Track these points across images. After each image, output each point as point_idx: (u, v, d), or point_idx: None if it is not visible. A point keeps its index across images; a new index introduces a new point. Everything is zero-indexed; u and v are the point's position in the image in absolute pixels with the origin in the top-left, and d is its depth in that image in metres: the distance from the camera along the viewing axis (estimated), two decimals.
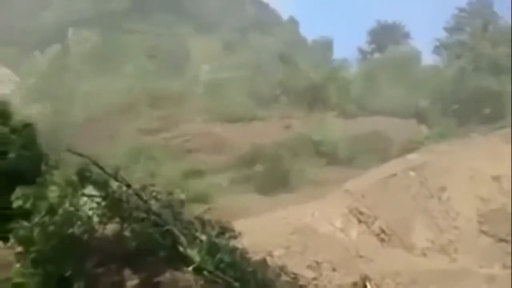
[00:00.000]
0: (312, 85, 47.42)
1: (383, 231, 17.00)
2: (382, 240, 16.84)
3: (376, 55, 57.45)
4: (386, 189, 18.59)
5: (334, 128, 40.97)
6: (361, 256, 14.94)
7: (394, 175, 19.22)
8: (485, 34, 46.78)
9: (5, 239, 11.71)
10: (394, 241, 16.79)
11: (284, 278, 12.74)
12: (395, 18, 61.66)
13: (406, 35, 60.41)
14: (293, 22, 70.62)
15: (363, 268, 13.90)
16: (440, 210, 17.89)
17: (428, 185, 18.60)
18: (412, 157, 21.78)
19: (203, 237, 12.22)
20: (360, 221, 17.36)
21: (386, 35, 58.77)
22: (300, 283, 12.94)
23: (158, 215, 11.95)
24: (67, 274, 10.89)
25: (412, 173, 19.23)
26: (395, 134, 37.85)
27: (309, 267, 13.66)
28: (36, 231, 10.77)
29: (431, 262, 15.62)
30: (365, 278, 13.28)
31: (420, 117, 41.30)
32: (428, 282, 13.45)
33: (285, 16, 72.07)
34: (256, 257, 12.69)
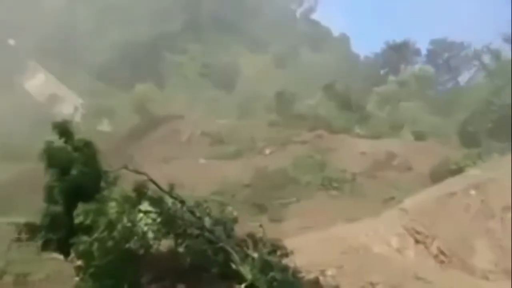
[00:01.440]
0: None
1: (442, 252, 16.28)
2: (441, 261, 16.12)
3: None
4: (445, 208, 17.84)
5: None
6: (418, 278, 14.34)
7: (454, 193, 18.43)
8: None
9: (66, 253, 12.22)
10: (454, 262, 16.03)
11: None
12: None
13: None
14: (344, 38, 70.42)
15: None
16: (504, 230, 16.93)
17: (490, 205, 17.69)
18: (472, 174, 20.85)
19: (255, 255, 12.22)
20: (417, 241, 16.72)
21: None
22: None
23: (211, 231, 12.09)
24: None
25: (472, 192, 18.37)
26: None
27: None
28: (96, 246, 11.14)
29: (494, 285, 14.77)
30: None
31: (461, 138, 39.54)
32: None
33: (336, 33, 72.00)
34: (308, 276, 12.51)
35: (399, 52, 57.06)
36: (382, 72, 55.03)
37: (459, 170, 25.67)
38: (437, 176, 27.92)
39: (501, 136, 36.12)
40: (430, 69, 54.12)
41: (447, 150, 35.59)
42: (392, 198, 27.85)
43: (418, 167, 33.39)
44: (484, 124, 38.36)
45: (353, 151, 36.10)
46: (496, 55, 45.05)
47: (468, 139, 38.07)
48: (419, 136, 40.79)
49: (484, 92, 42.43)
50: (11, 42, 62.89)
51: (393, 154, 35.25)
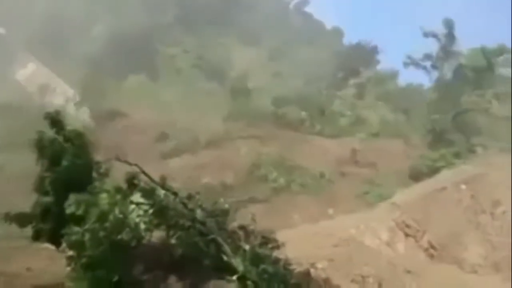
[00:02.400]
0: None
1: (432, 246, 16.45)
2: (431, 255, 16.29)
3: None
4: (436, 202, 18.01)
5: None
6: (408, 271, 14.46)
7: (444, 188, 18.61)
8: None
9: (58, 244, 12.18)
10: (443, 256, 16.21)
11: None
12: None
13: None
14: (337, 31, 70.33)
15: (411, 284, 13.46)
16: (493, 225, 17.14)
17: (481, 199, 17.89)
18: (463, 170, 21.03)
19: (247, 247, 12.25)
20: (407, 235, 16.87)
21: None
22: None
23: (203, 223, 12.10)
24: (115, 279, 11.16)
25: (463, 187, 18.56)
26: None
27: (353, 281, 13.36)
28: (87, 236, 11.11)
29: (483, 279, 14.95)
30: None
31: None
32: None
33: (329, 26, 71.89)
34: (299, 268, 12.57)
35: (357, 52, 56.15)
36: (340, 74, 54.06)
37: (435, 169, 25.84)
38: (415, 174, 28.13)
39: (467, 132, 36.25)
40: (392, 68, 53.20)
41: (410, 148, 35.84)
42: (366, 193, 27.90)
43: (382, 164, 33.36)
44: (446, 123, 38.29)
45: (317, 150, 35.88)
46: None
47: (434, 137, 37.97)
48: (378, 134, 40.58)
49: (440, 92, 42.12)
50: (1, 31, 62.18)
51: (356, 151, 35.20)
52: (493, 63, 39.38)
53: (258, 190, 29.23)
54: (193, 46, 61.41)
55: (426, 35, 42.41)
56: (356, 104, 47.02)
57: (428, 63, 43.46)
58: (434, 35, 42.34)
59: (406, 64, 44.91)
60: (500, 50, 39.91)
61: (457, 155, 30.03)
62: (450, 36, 42.25)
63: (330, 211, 25.35)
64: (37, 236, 12.67)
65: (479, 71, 39.31)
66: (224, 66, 59.09)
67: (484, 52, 39.72)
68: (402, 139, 38.72)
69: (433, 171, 25.55)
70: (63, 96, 54.13)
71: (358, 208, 22.13)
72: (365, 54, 57.14)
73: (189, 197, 12.68)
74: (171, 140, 38.43)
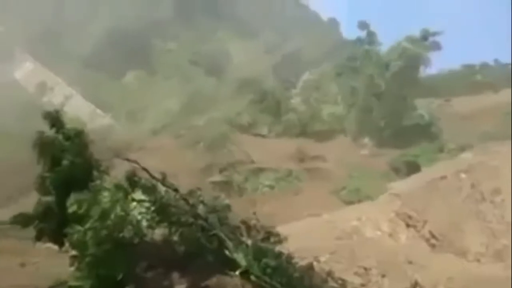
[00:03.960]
0: None
1: (433, 236, 16.49)
2: (433, 245, 16.33)
3: None
4: (436, 192, 18.02)
5: None
6: (410, 262, 14.52)
7: (444, 177, 18.62)
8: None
9: (60, 243, 12.22)
10: (445, 246, 16.24)
11: (331, 284, 12.59)
12: None
13: None
14: (333, 23, 70.07)
15: (413, 274, 13.50)
16: (494, 214, 17.16)
17: (481, 188, 17.90)
18: (463, 158, 21.05)
19: (249, 242, 12.30)
20: (408, 225, 16.92)
21: None
22: None
23: (204, 219, 12.13)
24: (119, 278, 11.21)
25: (463, 175, 18.56)
26: None
27: (356, 273, 13.41)
28: (89, 235, 11.15)
29: (485, 268, 14.99)
30: (415, 285, 12.91)
31: None
32: None
33: (325, 18, 71.63)
34: (302, 262, 12.62)
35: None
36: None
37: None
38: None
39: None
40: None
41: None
42: (344, 188, 27.82)
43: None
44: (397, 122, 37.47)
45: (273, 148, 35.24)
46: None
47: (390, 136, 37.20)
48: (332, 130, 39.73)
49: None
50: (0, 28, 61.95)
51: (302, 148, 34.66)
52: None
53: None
54: (190, 40, 61.12)
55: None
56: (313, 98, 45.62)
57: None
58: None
59: None
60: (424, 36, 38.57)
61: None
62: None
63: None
64: (40, 236, 12.71)
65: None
66: (222, 60, 58.86)
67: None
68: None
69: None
70: (61, 94, 54.05)
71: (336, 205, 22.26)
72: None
73: (190, 193, 12.70)
74: None
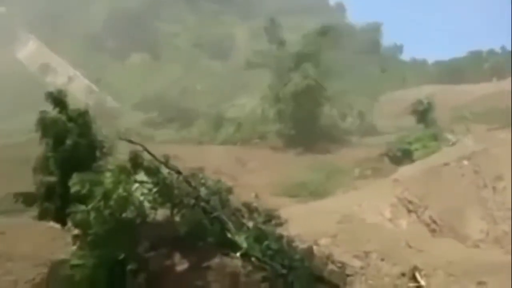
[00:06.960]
0: None
1: (434, 221, 16.54)
2: (433, 230, 16.39)
3: None
4: (438, 178, 18.03)
5: None
6: (410, 246, 14.59)
7: (447, 164, 18.62)
8: None
9: (63, 222, 12.34)
10: (445, 231, 16.30)
11: (331, 267, 12.70)
12: None
13: None
14: (339, 8, 69.36)
15: (413, 258, 13.58)
16: (495, 200, 17.19)
17: (483, 175, 17.90)
18: (465, 145, 21.01)
19: (250, 224, 12.38)
20: (409, 211, 16.97)
21: None
22: (348, 272, 12.84)
23: (206, 201, 12.21)
24: (121, 257, 11.33)
25: (465, 162, 18.56)
26: None
27: (356, 256, 13.49)
28: (92, 215, 11.24)
29: (485, 253, 15.05)
30: (414, 269, 12.99)
31: None
32: (481, 274, 12.93)
33: (332, 2, 70.95)
34: (303, 245, 12.71)
35: None
36: None
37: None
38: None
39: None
40: None
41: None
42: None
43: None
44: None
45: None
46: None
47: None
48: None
49: None
50: (2, 10, 61.58)
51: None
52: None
53: None
54: (194, 23, 60.56)
55: None
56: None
57: None
58: None
59: None
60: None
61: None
62: None
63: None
64: (43, 215, 12.83)
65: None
66: (225, 43, 58.28)
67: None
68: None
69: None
70: (64, 75, 53.88)
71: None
72: None
73: (193, 175, 12.75)
74: None
